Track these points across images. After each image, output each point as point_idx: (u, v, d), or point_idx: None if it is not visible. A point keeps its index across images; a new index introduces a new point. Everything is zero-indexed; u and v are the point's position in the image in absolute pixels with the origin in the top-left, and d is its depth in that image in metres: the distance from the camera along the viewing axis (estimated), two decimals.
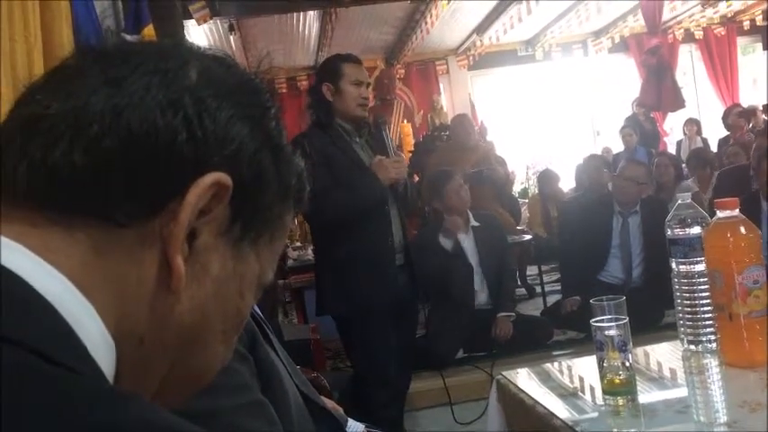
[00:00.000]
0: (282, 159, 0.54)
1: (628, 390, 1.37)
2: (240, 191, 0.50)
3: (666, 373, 1.57)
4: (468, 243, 4.03)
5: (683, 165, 6.18)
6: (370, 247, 2.89)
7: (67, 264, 0.45)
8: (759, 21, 9.75)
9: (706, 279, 1.52)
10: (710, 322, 1.54)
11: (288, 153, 0.55)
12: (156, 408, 0.41)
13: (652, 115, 8.45)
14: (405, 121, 9.12)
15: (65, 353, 0.41)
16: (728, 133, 7.64)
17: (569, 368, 1.73)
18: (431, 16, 7.28)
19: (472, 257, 4.01)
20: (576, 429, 1.35)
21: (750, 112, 7.85)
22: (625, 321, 1.37)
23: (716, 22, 10.19)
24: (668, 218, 1.59)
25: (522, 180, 9.35)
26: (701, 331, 1.56)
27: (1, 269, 0.42)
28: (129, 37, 2.82)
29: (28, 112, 0.49)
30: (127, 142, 0.47)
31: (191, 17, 4.89)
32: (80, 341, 0.43)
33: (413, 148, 7.17)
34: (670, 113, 8.56)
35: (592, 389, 1.49)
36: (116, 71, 0.49)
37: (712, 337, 1.55)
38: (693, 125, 8.63)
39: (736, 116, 7.41)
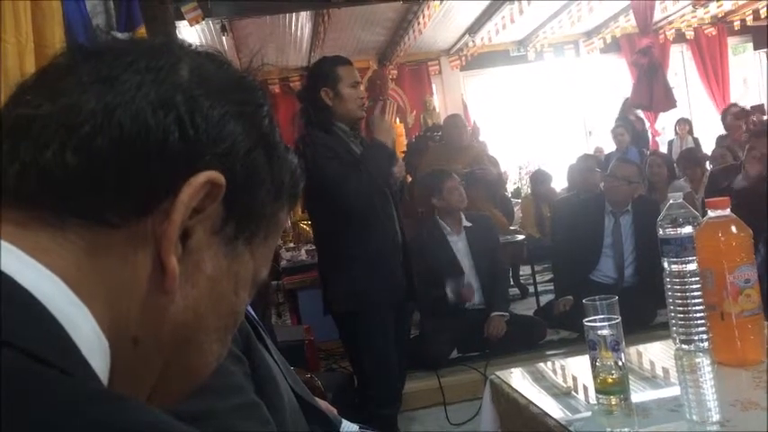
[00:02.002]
0: (276, 157, 0.54)
1: (620, 389, 1.38)
2: (233, 189, 0.49)
3: (659, 372, 1.57)
4: (460, 244, 4.04)
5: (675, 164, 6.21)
6: (378, 244, 2.93)
7: (61, 265, 0.45)
8: (749, 21, 9.79)
9: (698, 278, 1.53)
10: (702, 321, 1.55)
11: (281, 150, 0.55)
12: (149, 409, 0.41)
13: (642, 116, 8.48)
14: (397, 121, 9.12)
15: (57, 355, 0.40)
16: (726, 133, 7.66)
17: (562, 368, 1.73)
18: (423, 17, 7.28)
19: (465, 258, 4.01)
20: (570, 429, 1.35)
21: (747, 113, 7.86)
22: (618, 321, 1.38)
23: (707, 22, 10.23)
24: (660, 217, 1.60)
25: (515, 180, 9.37)
26: (694, 330, 1.57)
27: None
28: (119, 35, 2.81)
29: (18, 112, 0.48)
30: (118, 142, 0.46)
31: (183, 18, 4.88)
32: (73, 343, 0.43)
33: (405, 149, 7.17)
34: (661, 113, 8.58)
35: (585, 388, 1.49)
36: (108, 69, 0.49)
37: (704, 337, 1.56)
38: (685, 125, 8.67)
39: (733, 117, 7.42)
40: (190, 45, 0.55)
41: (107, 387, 0.45)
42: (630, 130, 7.68)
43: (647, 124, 8.99)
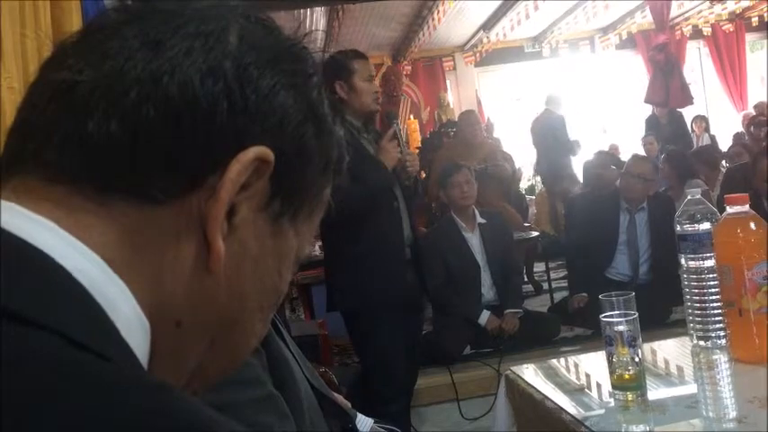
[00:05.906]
0: (325, 131, 0.51)
1: (637, 385, 1.37)
2: (281, 165, 0.47)
3: (674, 369, 1.57)
4: (474, 240, 4.03)
5: None
6: (382, 244, 2.90)
7: (102, 242, 0.43)
8: (767, 17, 9.70)
9: (715, 275, 1.52)
10: (720, 318, 1.54)
11: (330, 123, 0.52)
12: (188, 398, 0.39)
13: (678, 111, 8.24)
14: (411, 117, 9.12)
15: (95, 337, 0.38)
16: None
17: (576, 365, 1.73)
18: (438, 13, 7.28)
19: (479, 254, 4.01)
20: (586, 424, 1.35)
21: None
22: (634, 317, 1.37)
23: (724, 18, 10.14)
24: (678, 214, 1.59)
25: (529, 177, 9.34)
26: (711, 327, 1.56)
27: (29, 248, 0.40)
28: None
29: (59, 77, 0.45)
30: (165, 112, 0.44)
31: None
32: (112, 324, 0.41)
33: (420, 145, 7.17)
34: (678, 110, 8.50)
35: (599, 385, 1.49)
36: (155, 33, 0.46)
37: (722, 333, 1.55)
38: (701, 122, 8.61)
39: (757, 127, 7.30)
40: (238, 7, 0.51)
41: (146, 369, 0.44)
42: (659, 133, 7.56)
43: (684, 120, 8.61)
